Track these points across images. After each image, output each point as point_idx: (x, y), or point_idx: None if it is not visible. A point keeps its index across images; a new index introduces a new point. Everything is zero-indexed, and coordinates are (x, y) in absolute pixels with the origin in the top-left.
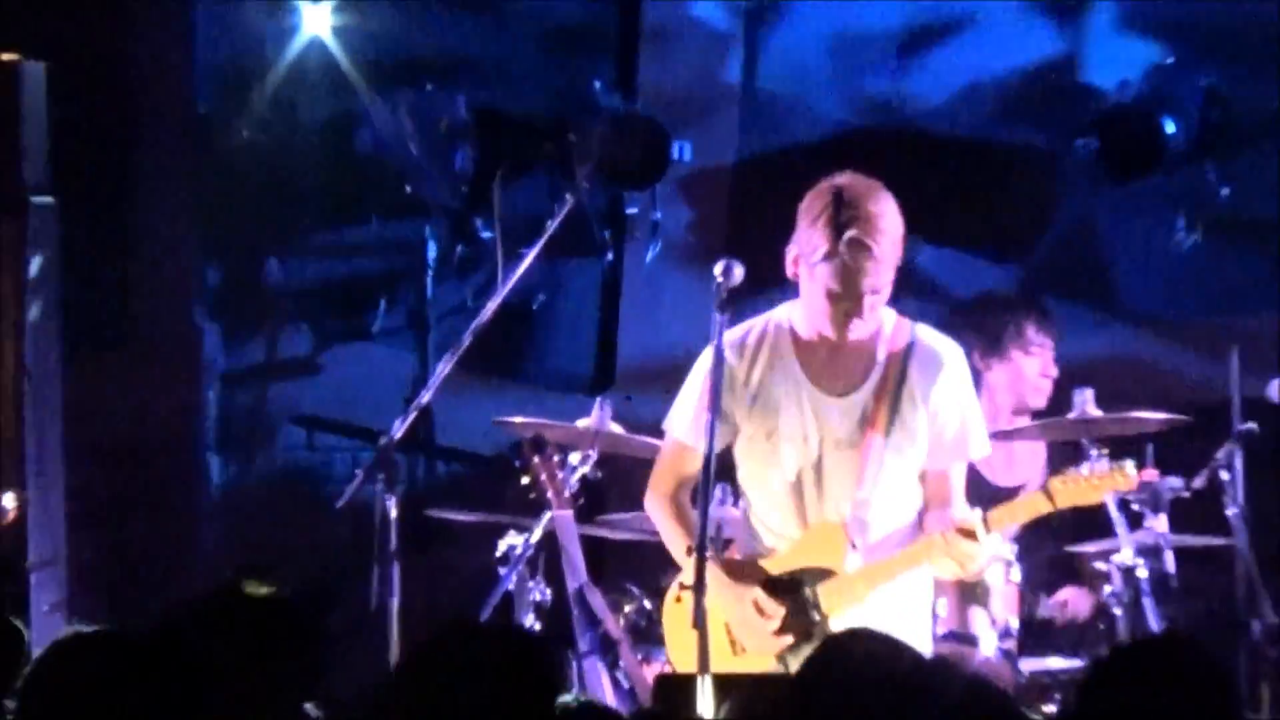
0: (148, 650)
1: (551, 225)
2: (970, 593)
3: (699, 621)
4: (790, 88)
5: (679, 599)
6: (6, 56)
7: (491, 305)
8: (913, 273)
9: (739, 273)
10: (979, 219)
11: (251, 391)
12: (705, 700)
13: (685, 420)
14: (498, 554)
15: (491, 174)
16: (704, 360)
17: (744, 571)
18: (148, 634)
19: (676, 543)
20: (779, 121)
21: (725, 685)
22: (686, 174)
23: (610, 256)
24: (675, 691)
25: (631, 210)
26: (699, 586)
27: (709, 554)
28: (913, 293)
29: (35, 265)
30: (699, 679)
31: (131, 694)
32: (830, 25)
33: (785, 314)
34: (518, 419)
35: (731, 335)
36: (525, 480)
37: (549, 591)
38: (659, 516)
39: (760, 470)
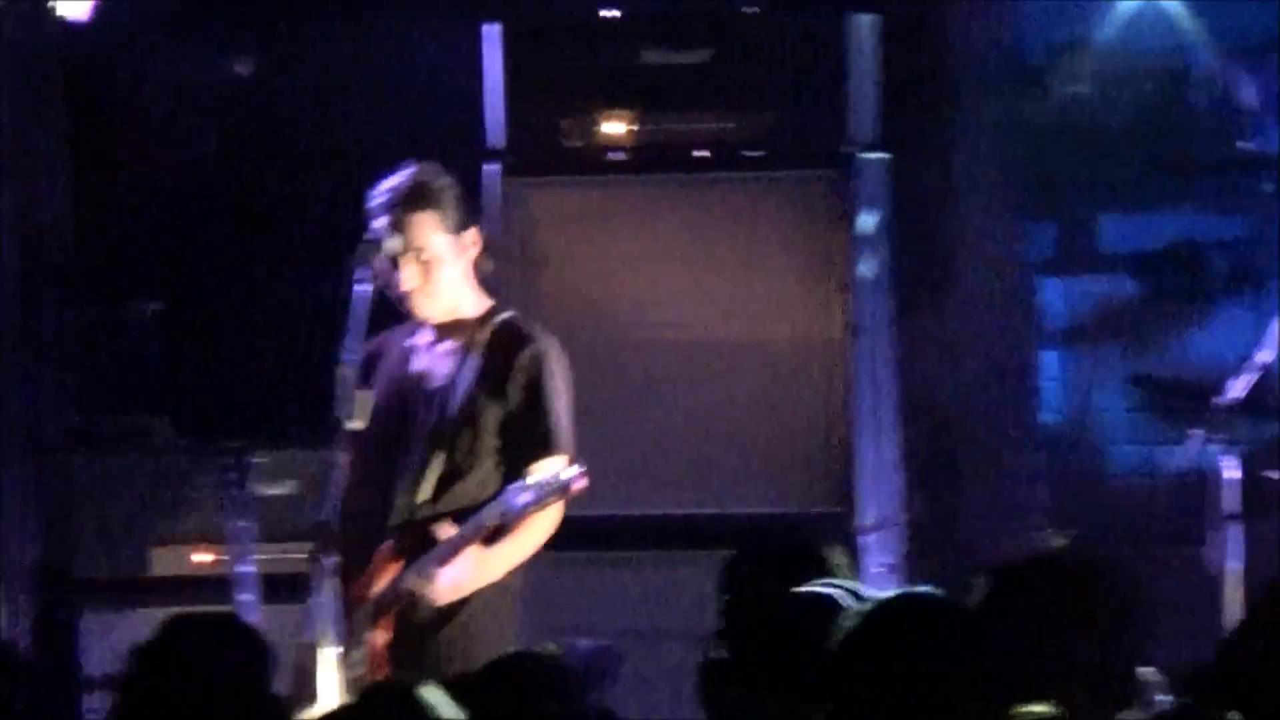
0: (972, 610)
1: None
2: None
3: None
4: None
5: None
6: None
7: None
8: None
9: None
10: None
11: (1085, 351)
12: None
13: None
14: None
15: None
16: None
17: None
18: (966, 598)
19: None
20: None
21: None
22: None
23: None
24: None
25: None
26: None
27: None
28: None
29: (864, 221)
30: None
31: (958, 653)
32: None
33: None
34: None
35: None
36: None
37: None
38: None
39: None
